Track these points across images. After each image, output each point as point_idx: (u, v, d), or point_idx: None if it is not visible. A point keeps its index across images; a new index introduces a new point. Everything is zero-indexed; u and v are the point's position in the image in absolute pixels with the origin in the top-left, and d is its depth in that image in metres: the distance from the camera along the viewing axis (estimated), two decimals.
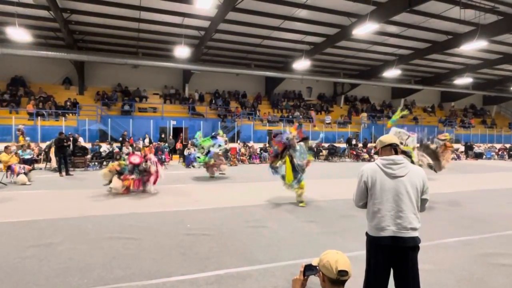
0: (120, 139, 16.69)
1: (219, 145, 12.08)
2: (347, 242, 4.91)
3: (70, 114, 18.43)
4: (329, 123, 24.41)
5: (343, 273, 1.74)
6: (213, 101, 23.29)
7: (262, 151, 19.33)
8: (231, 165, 16.65)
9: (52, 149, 12.96)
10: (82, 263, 4.14)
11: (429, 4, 13.22)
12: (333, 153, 20.50)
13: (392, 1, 13.21)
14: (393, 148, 2.63)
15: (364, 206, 2.65)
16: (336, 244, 4.89)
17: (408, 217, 2.45)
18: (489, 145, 26.70)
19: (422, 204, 2.57)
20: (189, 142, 17.05)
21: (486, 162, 21.81)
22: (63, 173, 12.01)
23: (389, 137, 2.72)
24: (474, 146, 25.03)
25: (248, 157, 18.52)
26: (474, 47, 16.64)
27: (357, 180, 2.67)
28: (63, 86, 21.03)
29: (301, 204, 7.54)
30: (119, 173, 8.71)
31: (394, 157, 2.58)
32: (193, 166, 15.00)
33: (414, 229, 2.46)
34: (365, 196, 2.62)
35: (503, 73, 26.22)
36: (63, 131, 13.24)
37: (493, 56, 21.24)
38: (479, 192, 9.71)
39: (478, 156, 24.06)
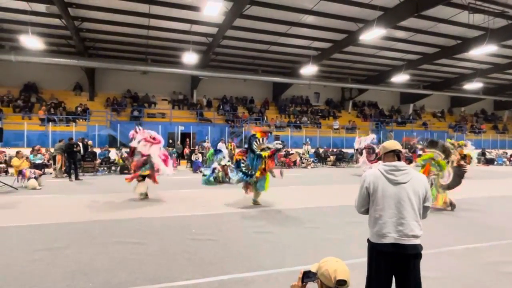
0: (129, 144, 16.86)
1: (223, 157, 12.28)
2: (352, 249, 4.86)
3: (81, 120, 18.73)
4: (337, 129, 24.31)
5: (342, 283, 1.72)
6: (221, 107, 23.43)
7: None
8: None
9: (59, 157, 13.10)
10: (88, 267, 4.19)
11: (437, 9, 13.15)
12: (340, 159, 20.39)
13: (399, 6, 13.18)
14: (396, 154, 2.62)
15: (366, 212, 2.64)
16: (340, 250, 4.86)
17: (409, 224, 2.43)
18: (501, 151, 26.22)
19: (424, 211, 2.55)
20: (196, 147, 17.17)
21: (497, 168, 21.41)
22: (73, 178, 12.19)
23: (392, 143, 2.70)
24: (486, 152, 24.61)
25: None
26: (483, 51, 16.47)
27: (359, 186, 2.66)
28: (74, 92, 21.41)
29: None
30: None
31: (396, 163, 2.57)
32: (201, 171, 15.06)
33: (415, 236, 2.43)
34: (367, 202, 2.61)
35: None
36: (73, 137, 13.46)
37: (503, 60, 20.96)
38: (490, 199, 9.54)
39: (490, 162, 23.64)
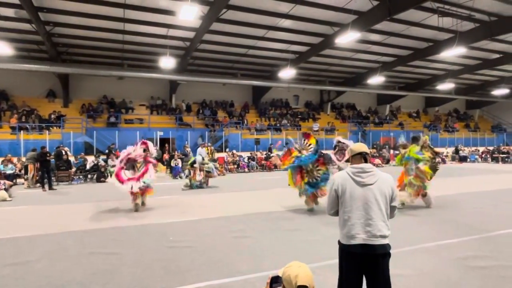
0: (106, 151, 16.50)
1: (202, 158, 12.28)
2: (329, 249, 4.88)
3: (55, 127, 18.15)
4: (316, 131, 24.59)
5: None
6: (201, 111, 23.27)
7: (250, 160, 19.35)
8: (218, 174, 16.60)
9: (31, 166, 12.65)
10: (59, 280, 4.05)
11: (408, 12, 13.58)
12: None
13: (373, 10, 13.52)
14: (363, 157, 2.68)
15: (336, 214, 2.69)
16: (317, 252, 4.91)
17: (377, 224, 2.48)
18: (473, 148, 27.25)
19: (391, 211, 2.62)
20: (175, 153, 16.96)
21: (470, 165, 22.22)
22: (46, 188, 11.78)
23: (359, 146, 2.76)
24: (460, 150, 25.51)
25: (236, 166, 18.50)
26: (454, 53, 17.09)
27: (328, 188, 2.70)
28: (47, 99, 20.71)
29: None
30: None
31: (363, 165, 2.63)
32: (180, 177, 14.94)
33: (383, 236, 2.49)
34: (336, 204, 2.65)
35: (483, 78, 26.96)
36: (46, 145, 13.03)
37: (472, 61, 21.84)
38: (462, 195, 9.88)
39: (463, 159, 24.51)
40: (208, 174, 12.33)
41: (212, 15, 13.24)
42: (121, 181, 8.09)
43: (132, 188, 7.99)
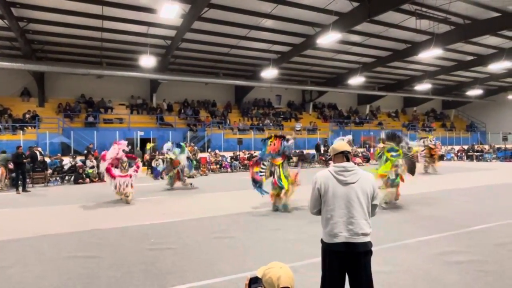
0: (85, 152, 16.03)
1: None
2: (312, 248, 4.89)
3: (29, 128, 17.49)
4: (299, 130, 24.77)
5: None
6: (182, 111, 23.00)
7: (232, 160, 19.27)
8: (201, 174, 16.48)
9: (3, 169, 12.13)
10: (33, 286, 3.89)
11: (387, 14, 13.87)
12: (302, 159, 20.76)
13: (353, 11, 13.72)
14: (345, 156, 2.69)
15: (318, 213, 2.68)
16: (300, 251, 4.92)
17: (359, 223, 2.50)
18: (449, 147, 28.13)
19: (373, 209, 2.64)
20: (157, 153, 16.67)
21: (446, 163, 22.89)
22: (20, 190, 11.33)
23: (341, 145, 2.77)
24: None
25: (218, 166, 18.38)
26: (431, 54, 17.58)
27: (311, 187, 2.70)
28: (21, 98, 19.96)
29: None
30: None
31: (345, 164, 2.64)
32: (162, 178, 14.66)
33: (365, 234, 2.50)
34: (319, 203, 2.65)
35: (459, 79, 27.90)
36: (21, 145, 12.51)
37: (449, 63, 22.56)
38: (440, 193, 10.17)
39: (440, 158, 25.19)
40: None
41: (194, 13, 13.08)
42: (113, 176, 9.01)
43: (123, 184, 9.02)
